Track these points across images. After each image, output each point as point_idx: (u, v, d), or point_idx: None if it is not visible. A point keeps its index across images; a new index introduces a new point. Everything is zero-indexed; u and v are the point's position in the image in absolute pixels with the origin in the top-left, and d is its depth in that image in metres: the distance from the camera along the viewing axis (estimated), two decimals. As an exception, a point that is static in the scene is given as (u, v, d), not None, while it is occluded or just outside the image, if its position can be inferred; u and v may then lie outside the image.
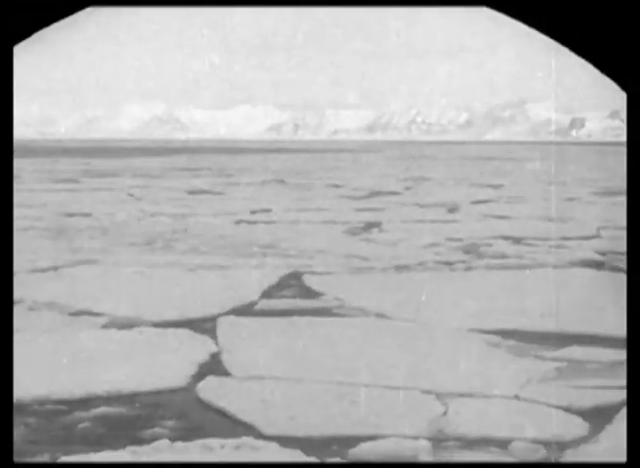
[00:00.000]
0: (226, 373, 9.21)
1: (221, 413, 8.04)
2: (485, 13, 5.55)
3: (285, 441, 7.20)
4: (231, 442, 7.14)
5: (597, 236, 21.71)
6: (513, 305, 12.58)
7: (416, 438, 7.11)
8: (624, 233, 20.12)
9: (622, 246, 19.90)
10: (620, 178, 50.41)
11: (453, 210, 29.07)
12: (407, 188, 39.61)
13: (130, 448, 7.15)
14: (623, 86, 5.24)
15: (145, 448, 7.19)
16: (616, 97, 5.43)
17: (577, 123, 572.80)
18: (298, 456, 6.86)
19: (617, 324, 11.66)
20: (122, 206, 28.65)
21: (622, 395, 8.57)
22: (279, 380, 8.88)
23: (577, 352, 10.17)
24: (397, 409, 7.95)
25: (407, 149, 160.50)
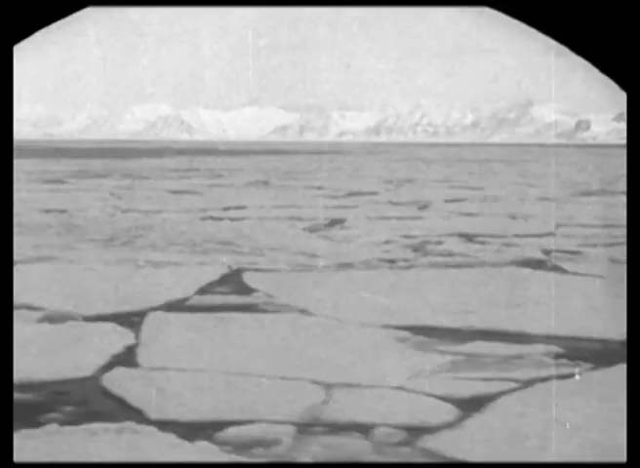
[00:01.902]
0: (136, 365, 9.69)
1: (118, 401, 8.52)
2: (486, 13, 5.57)
3: (164, 425, 7.67)
4: (114, 426, 7.61)
5: (552, 234, 22.17)
6: (435, 302, 13.05)
7: (282, 423, 7.57)
8: (584, 230, 20.61)
9: (573, 244, 20.38)
10: (600, 180, 50.82)
11: (423, 208, 29.56)
12: (387, 189, 40.07)
13: (23, 432, 7.63)
14: (624, 86, 5.29)
15: (37, 431, 7.67)
16: (620, 100, 5.45)
17: (582, 125, 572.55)
18: (170, 439, 7.33)
19: (528, 320, 12.13)
20: (98, 204, 29.15)
21: (503, 386, 9.04)
22: (182, 371, 9.35)
23: (479, 347, 10.62)
24: (281, 398, 8.42)
25: (405, 151, 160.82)
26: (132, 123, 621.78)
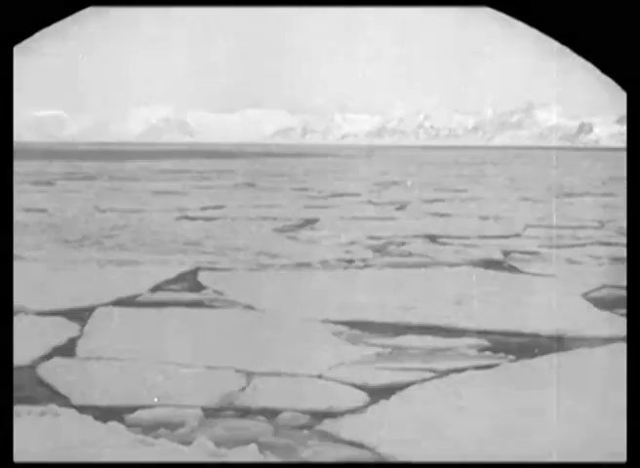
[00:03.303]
0: (73, 355, 10.16)
1: (49, 387, 9.00)
2: (486, 13, 5.57)
3: (84, 409, 8.15)
4: (37, 409, 8.09)
5: (518, 235, 22.63)
6: (379, 299, 13.50)
7: (192, 407, 8.05)
8: (551, 231, 21.05)
9: (535, 245, 20.82)
10: (588, 183, 51.21)
11: (400, 209, 30.03)
12: (372, 191, 40.53)
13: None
14: (623, 86, 5.30)
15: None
16: (622, 101, 5.41)
17: (584, 128, 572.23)
18: (87, 421, 7.80)
19: (465, 316, 12.57)
20: (79, 205, 29.61)
21: (420, 376, 9.49)
22: (115, 360, 9.82)
23: (409, 340, 11.07)
24: (202, 385, 8.89)
25: (404, 154, 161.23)
26: (133, 125, 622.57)
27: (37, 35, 5.37)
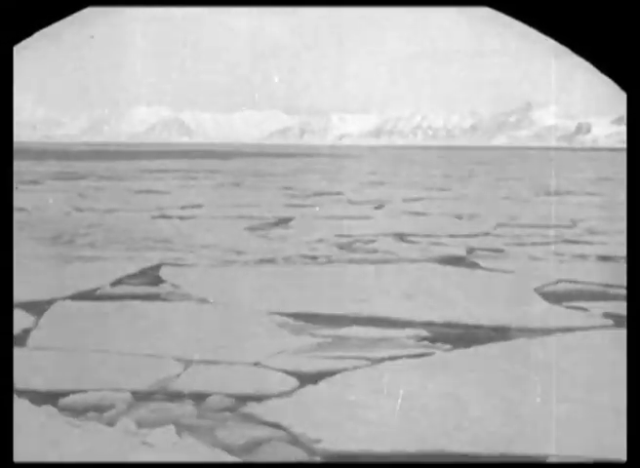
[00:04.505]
0: (23, 345, 10.56)
1: (-6, 375, 9.38)
2: (486, 12, 5.59)
3: (22, 393, 8.54)
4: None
5: (487, 234, 23.02)
6: (333, 293, 13.92)
7: (122, 391, 8.45)
8: (521, 230, 21.46)
9: (502, 243, 21.22)
10: (575, 182, 51.62)
11: (378, 208, 30.44)
12: (354, 190, 40.94)
13: None
14: (623, 86, 5.30)
15: None
16: (621, 102, 5.43)
17: (582, 128, 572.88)
18: (24, 404, 8.19)
19: (413, 309, 12.97)
20: (60, 204, 30.00)
21: (354, 364, 9.88)
22: (62, 350, 10.21)
23: (352, 331, 11.46)
24: (140, 371, 9.28)
25: (399, 154, 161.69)
26: (132, 125, 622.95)
27: (36, 35, 5.44)
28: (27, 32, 5.33)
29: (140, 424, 7.56)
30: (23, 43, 5.39)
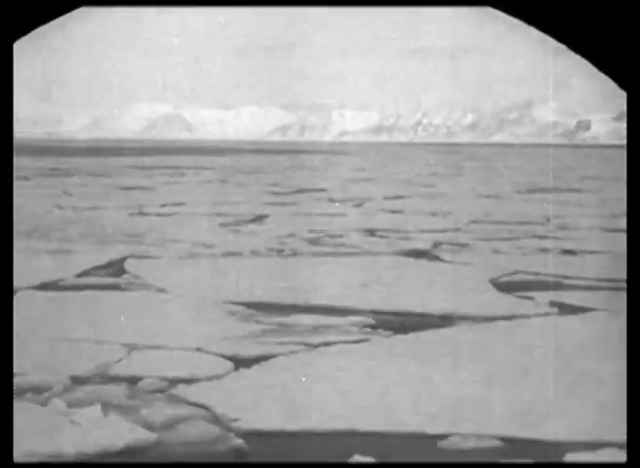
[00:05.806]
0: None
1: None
2: (487, 12, 5.65)
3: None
4: None
5: (458, 229, 23.50)
6: (289, 283, 14.42)
7: (62, 375, 8.94)
8: (492, 226, 21.82)
9: (470, 238, 21.68)
10: (562, 179, 52.06)
11: (358, 205, 30.90)
12: (339, 186, 41.38)
13: None
14: (623, 85, 5.31)
15: None
16: (620, 99, 5.47)
17: (582, 125, 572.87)
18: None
19: (363, 298, 13.45)
20: (43, 200, 30.47)
21: (292, 349, 10.33)
22: (28, 338, 10.64)
23: (299, 319, 11.89)
24: (86, 357, 9.76)
25: (394, 151, 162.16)
26: (132, 122, 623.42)
27: (32, 34, 5.53)
28: (23, 31, 5.46)
29: (71, 405, 8.02)
30: (19, 42, 5.54)
